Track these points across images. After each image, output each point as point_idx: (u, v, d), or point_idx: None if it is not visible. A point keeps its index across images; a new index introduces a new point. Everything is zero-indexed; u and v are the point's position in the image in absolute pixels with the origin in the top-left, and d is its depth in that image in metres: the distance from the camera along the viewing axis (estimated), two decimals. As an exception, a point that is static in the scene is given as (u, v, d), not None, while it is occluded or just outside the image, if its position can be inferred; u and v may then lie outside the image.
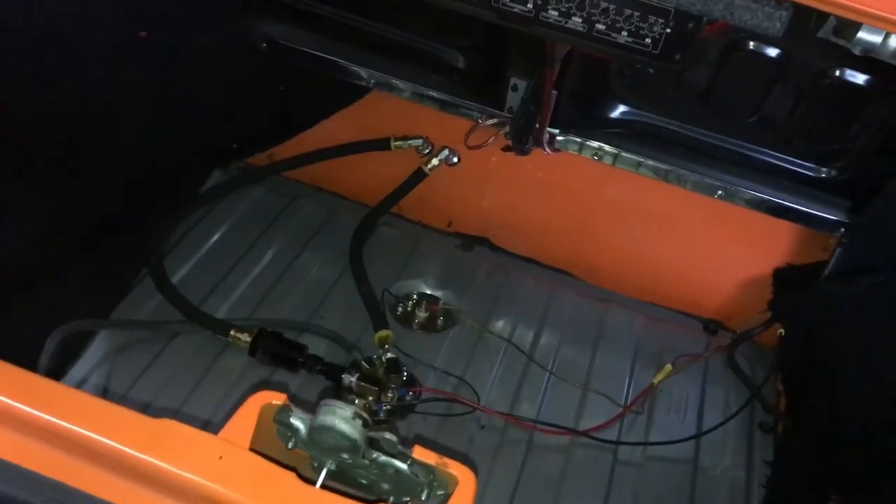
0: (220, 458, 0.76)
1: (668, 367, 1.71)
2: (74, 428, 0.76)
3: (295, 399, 0.87)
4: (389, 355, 1.60)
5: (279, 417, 0.86)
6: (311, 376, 1.57)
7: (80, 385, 1.50)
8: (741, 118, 1.58)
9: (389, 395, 1.54)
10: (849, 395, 1.51)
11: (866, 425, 1.42)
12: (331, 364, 1.56)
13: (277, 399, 0.85)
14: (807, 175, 1.64)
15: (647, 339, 1.82)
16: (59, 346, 1.39)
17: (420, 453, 0.83)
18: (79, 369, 1.52)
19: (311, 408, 0.86)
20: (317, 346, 1.61)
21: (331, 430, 0.82)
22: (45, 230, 1.49)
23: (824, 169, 1.62)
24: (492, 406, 1.60)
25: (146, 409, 1.48)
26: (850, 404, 1.50)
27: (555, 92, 1.58)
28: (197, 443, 0.77)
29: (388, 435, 0.84)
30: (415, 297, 1.81)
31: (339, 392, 1.56)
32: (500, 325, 1.79)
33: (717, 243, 1.86)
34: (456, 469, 0.82)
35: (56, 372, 1.46)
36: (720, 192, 1.69)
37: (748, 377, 1.75)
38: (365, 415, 0.83)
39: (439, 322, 1.77)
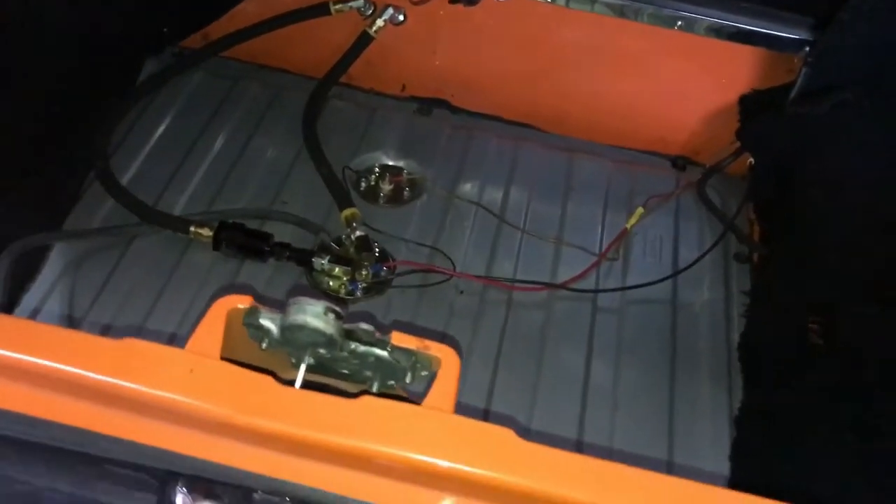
0: (191, 371, 0.74)
1: (640, 209, 1.69)
2: (39, 361, 0.72)
3: (262, 298, 0.83)
4: (358, 233, 1.56)
5: (248, 320, 0.83)
6: (282, 264, 1.53)
7: (41, 304, 1.45)
8: (697, -61, 1.50)
9: (363, 273, 1.52)
10: (820, 219, 1.51)
11: (837, 248, 1.43)
12: (299, 249, 1.52)
13: (243, 302, 0.82)
14: (767, -6, 1.57)
15: (616, 184, 1.79)
16: (11, 268, 1.34)
17: (399, 339, 0.81)
18: (38, 287, 1.47)
19: (280, 304, 0.83)
20: (283, 233, 1.57)
21: (303, 327, 0.79)
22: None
23: (784, -14, 1.56)
24: (468, 270, 1.58)
25: (113, 321, 1.45)
26: (821, 229, 1.50)
27: (496, -69, 1.48)
28: (165, 359, 0.74)
29: (364, 325, 0.81)
30: (377, 170, 1.75)
31: (312, 276, 1.53)
32: (467, 188, 1.74)
33: (681, 77, 1.80)
34: (438, 350, 0.80)
35: (14, 292, 1.41)
36: (679, 22, 1.63)
37: (720, 210, 1.73)
38: (337, 308, 0.80)
39: (405, 193, 1.72)
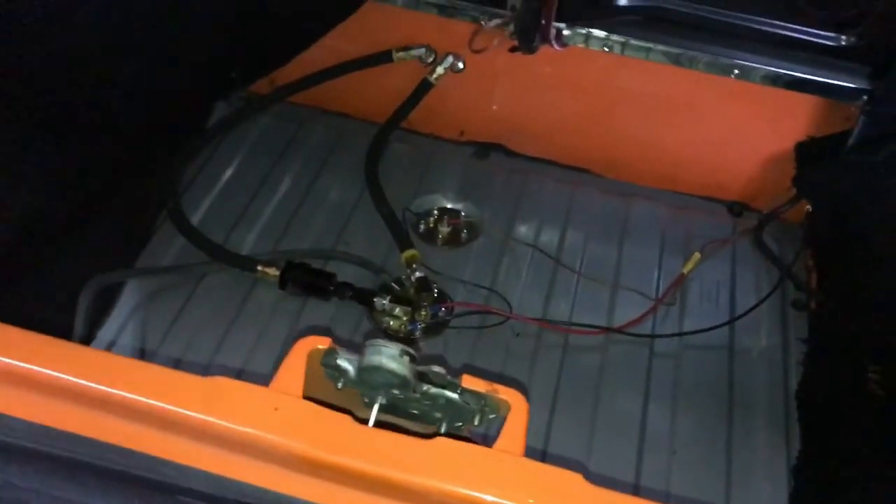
0: (276, 409, 0.77)
1: (697, 254, 1.70)
2: (131, 396, 0.77)
3: (339, 340, 0.87)
4: (418, 274, 1.60)
5: (326, 361, 0.86)
6: (344, 303, 1.57)
7: (116, 338, 1.52)
8: (752, -11, 1.53)
9: (423, 313, 1.55)
10: (880, 265, 1.51)
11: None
12: (361, 289, 1.57)
13: (322, 343, 0.86)
14: (824, 44, 1.60)
15: (672, 229, 1.81)
16: (91, 303, 1.40)
17: (469, 382, 0.84)
18: (113, 320, 1.53)
19: (354, 346, 0.86)
20: (345, 272, 1.61)
21: (379, 369, 0.83)
22: (57, 187, 1.48)
23: (842, 36, 1.58)
24: (524, 312, 1.61)
25: (183, 356, 1.51)
26: (881, 275, 1.50)
27: (559, -16, 1.53)
28: (251, 397, 0.78)
29: (436, 368, 0.85)
30: (435, 212, 1.80)
31: (373, 315, 1.57)
32: (523, 230, 1.78)
33: (737, 123, 1.82)
34: (507, 394, 0.83)
35: (92, 328, 1.47)
36: (736, 71, 1.66)
37: (777, 257, 1.74)
38: (411, 351, 0.83)
39: (463, 235, 1.76)
